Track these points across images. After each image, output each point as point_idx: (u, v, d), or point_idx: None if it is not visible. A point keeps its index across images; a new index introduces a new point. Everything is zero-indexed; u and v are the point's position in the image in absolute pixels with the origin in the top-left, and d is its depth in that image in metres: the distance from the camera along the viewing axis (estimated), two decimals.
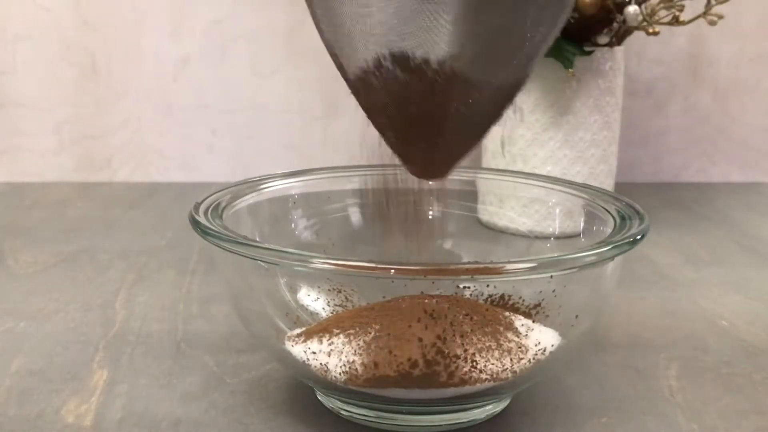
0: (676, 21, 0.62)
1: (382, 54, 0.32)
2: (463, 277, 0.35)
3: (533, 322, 0.39)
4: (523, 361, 0.35)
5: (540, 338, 0.37)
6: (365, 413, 0.37)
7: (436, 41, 0.31)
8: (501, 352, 0.35)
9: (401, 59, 0.32)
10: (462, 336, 0.35)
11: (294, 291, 0.40)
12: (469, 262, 0.36)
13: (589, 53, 0.64)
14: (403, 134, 0.35)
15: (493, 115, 0.35)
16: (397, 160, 0.36)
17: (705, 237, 0.68)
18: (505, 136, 0.65)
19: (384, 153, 0.36)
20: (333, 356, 0.35)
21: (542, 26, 0.33)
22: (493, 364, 0.35)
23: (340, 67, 0.35)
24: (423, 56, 0.31)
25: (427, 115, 0.33)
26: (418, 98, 0.33)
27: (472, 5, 0.31)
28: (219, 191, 0.41)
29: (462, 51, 0.31)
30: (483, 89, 0.33)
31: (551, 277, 0.35)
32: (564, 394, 0.40)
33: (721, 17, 0.63)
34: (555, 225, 0.47)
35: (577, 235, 0.44)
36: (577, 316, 0.37)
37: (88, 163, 0.86)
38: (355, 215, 0.48)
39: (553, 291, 0.38)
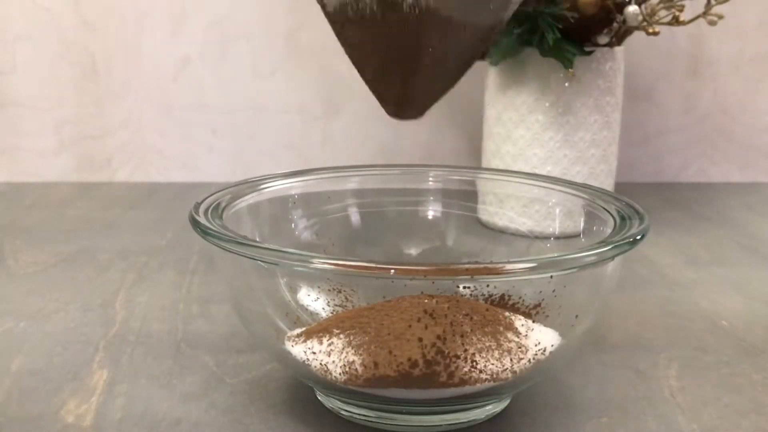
0: (676, 21, 0.62)
1: None
2: (463, 277, 0.35)
3: (533, 322, 0.39)
4: (523, 361, 0.35)
5: (540, 338, 0.37)
6: (365, 413, 0.37)
7: None
8: (501, 352, 0.35)
9: None
10: (462, 336, 0.35)
11: (294, 291, 0.40)
12: (469, 262, 0.36)
13: (589, 53, 0.64)
14: (378, 70, 0.35)
15: (467, 57, 0.35)
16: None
17: (705, 237, 0.68)
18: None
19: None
20: (333, 356, 0.35)
21: None
22: (493, 364, 0.35)
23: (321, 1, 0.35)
24: None
25: (402, 50, 0.33)
26: (393, 33, 0.33)
27: None
28: (219, 191, 0.41)
29: None
30: (457, 28, 0.33)
31: (551, 277, 0.35)
32: (564, 394, 0.40)
33: (721, 17, 0.63)
34: (555, 225, 0.47)
35: (577, 235, 0.44)
36: (577, 316, 0.37)
37: (88, 163, 0.86)
38: (355, 215, 0.48)
39: (553, 291, 0.38)
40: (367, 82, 0.36)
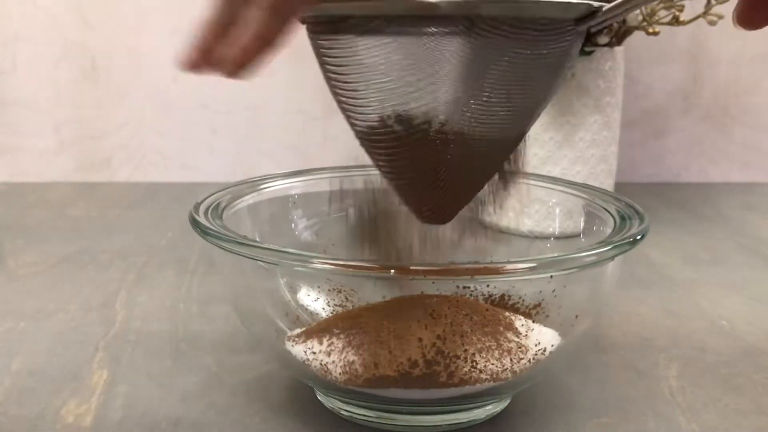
0: (676, 21, 0.62)
1: (388, 115, 0.33)
2: (463, 277, 0.35)
3: (533, 322, 0.39)
4: (523, 361, 0.35)
5: (540, 338, 0.37)
6: (365, 413, 0.37)
7: (437, 105, 0.32)
8: (501, 352, 0.35)
9: (405, 120, 0.33)
10: (462, 336, 0.35)
11: (294, 291, 0.40)
12: (469, 262, 0.36)
13: (589, 53, 0.64)
14: (405, 187, 0.35)
15: (493, 167, 0.36)
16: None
17: (705, 237, 0.68)
18: None
19: None
20: (333, 356, 0.35)
21: (537, 91, 0.33)
22: (493, 364, 0.35)
23: (348, 120, 0.35)
24: (425, 118, 0.32)
25: (429, 170, 0.34)
26: (420, 155, 0.33)
27: (471, 74, 0.32)
28: (219, 191, 0.41)
29: (461, 114, 0.32)
30: (483, 146, 0.33)
31: (551, 277, 0.35)
32: (564, 394, 0.40)
33: (721, 17, 0.63)
34: (555, 225, 0.47)
35: (577, 235, 0.44)
36: (577, 316, 0.37)
37: (88, 163, 0.86)
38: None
39: (553, 291, 0.38)
40: (399, 195, 0.36)
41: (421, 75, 0.31)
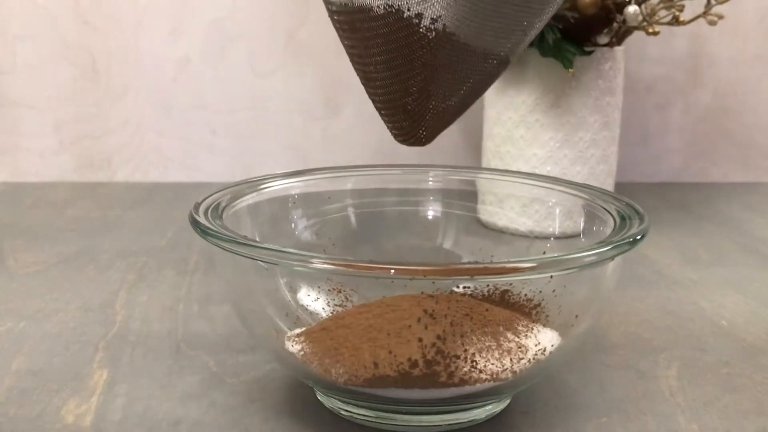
0: (676, 21, 0.62)
1: (380, 3, 0.32)
2: (463, 277, 0.35)
3: (533, 322, 0.39)
4: (523, 361, 0.35)
5: (540, 338, 0.37)
6: (365, 413, 0.37)
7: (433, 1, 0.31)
8: (501, 352, 0.35)
9: (398, 10, 0.32)
10: (462, 336, 0.35)
11: (294, 291, 0.40)
12: (469, 262, 0.36)
13: (589, 53, 0.64)
14: (387, 87, 0.35)
15: (476, 87, 0.35)
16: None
17: (705, 237, 0.69)
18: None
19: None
20: (333, 356, 0.35)
21: (534, 8, 0.33)
22: (493, 364, 0.35)
23: (332, 4, 0.35)
24: (418, 11, 0.31)
25: (413, 70, 0.33)
26: (407, 52, 0.33)
27: None
28: (219, 191, 0.41)
29: (455, 14, 0.31)
30: (469, 56, 0.33)
31: (551, 277, 0.35)
32: (564, 394, 0.40)
33: (721, 17, 0.63)
34: (555, 225, 0.47)
35: (577, 235, 0.44)
36: (577, 316, 0.37)
37: (88, 163, 0.86)
38: (354, 215, 0.48)
39: (553, 291, 0.38)
40: (374, 101, 0.36)
41: None
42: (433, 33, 0.32)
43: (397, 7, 0.32)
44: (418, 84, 0.33)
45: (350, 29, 0.34)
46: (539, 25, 0.34)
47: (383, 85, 0.35)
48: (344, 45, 0.36)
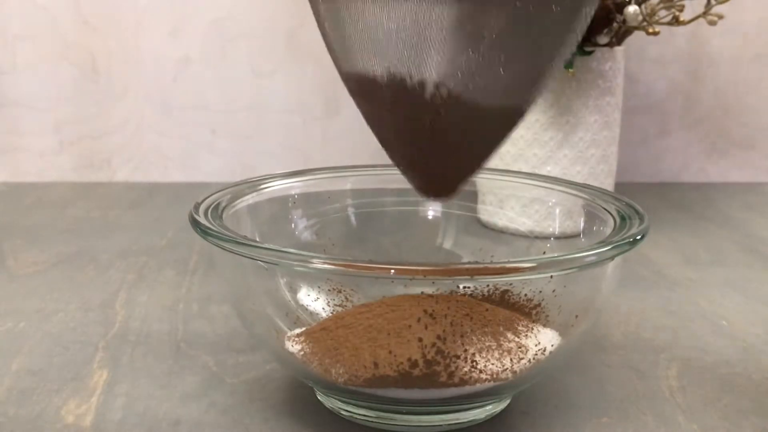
0: (676, 21, 0.62)
1: (382, 73, 0.32)
2: (463, 277, 0.35)
3: (533, 322, 0.39)
4: (523, 361, 0.35)
5: (540, 338, 0.37)
6: (365, 413, 0.37)
7: (435, 65, 0.31)
8: (501, 352, 0.35)
9: (400, 79, 0.32)
10: (462, 336, 0.35)
11: (294, 291, 0.40)
12: (469, 262, 0.36)
13: (589, 53, 0.64)
14: (402, 152, 0.35)
15: (495, 138, 0.34)
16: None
17: (705, 237, 0.68)
18: None
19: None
20: (333, 356, 0.35)
21: (544, 55, 0.32)
22: (493, 364, 0.35)
23: (341, 72, 0.35)
24: (420, 78, 0.31)
25: (426, 134, 0.33)
26: (419, 122, 0.33)
27: (472, 33, 0.30)
28: (219, 191, 0.41)
29: (460, 76, 0.31)
30: (482, 114, 0.32)
31: (551, 277, 0.35)
32: (564, 394, 0.40)
33: (721, 17, 0.63)
34: (555, 225, 0.47)
35: (577, 235, 0.44)
36: (577, 316, 0.37)
37: (88, 163, 0.86)
38: (354, 215, 0.48)
39: (553, 291, 0.38)
40: (394, 161, 0.35)
41: (413, 34, 0.30)
42: (439, 98, 0.31)
43: (400, 77, 0.32)
44: (433, 147, 0.33)
45: (360, 95, 0.34)
46: (551, 72, 0.33)
47: (399, 148, 0.35)
48: (358, 108, 0.36)
